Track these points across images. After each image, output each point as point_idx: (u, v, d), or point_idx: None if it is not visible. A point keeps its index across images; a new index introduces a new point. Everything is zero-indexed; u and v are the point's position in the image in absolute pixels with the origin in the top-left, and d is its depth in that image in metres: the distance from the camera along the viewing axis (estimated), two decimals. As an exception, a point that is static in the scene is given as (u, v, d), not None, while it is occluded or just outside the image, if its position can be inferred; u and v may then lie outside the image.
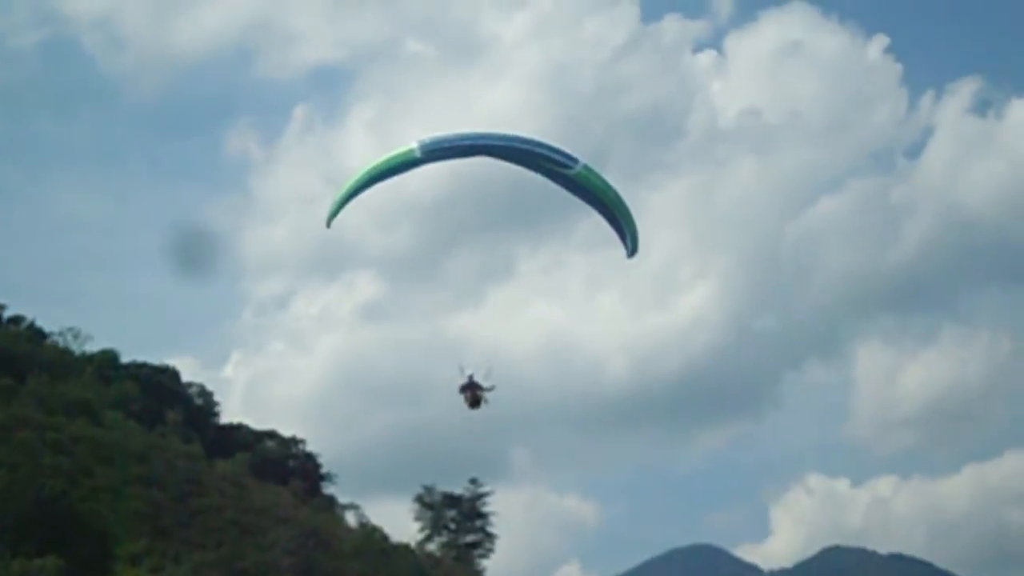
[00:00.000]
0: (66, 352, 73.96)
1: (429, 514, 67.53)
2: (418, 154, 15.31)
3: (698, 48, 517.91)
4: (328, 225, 16.67)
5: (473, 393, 16.79)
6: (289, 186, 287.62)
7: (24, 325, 72.68)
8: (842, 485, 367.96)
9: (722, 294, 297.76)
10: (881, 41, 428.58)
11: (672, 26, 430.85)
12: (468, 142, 15.98)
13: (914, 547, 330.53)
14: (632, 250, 17.36)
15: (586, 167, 16.52)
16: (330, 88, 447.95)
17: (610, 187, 17.08)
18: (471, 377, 16.89)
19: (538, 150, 16.27)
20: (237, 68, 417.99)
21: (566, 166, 16.27)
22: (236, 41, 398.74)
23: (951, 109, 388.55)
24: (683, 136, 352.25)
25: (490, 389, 17.09)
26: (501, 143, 16.22)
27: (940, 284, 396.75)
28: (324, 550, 57.10)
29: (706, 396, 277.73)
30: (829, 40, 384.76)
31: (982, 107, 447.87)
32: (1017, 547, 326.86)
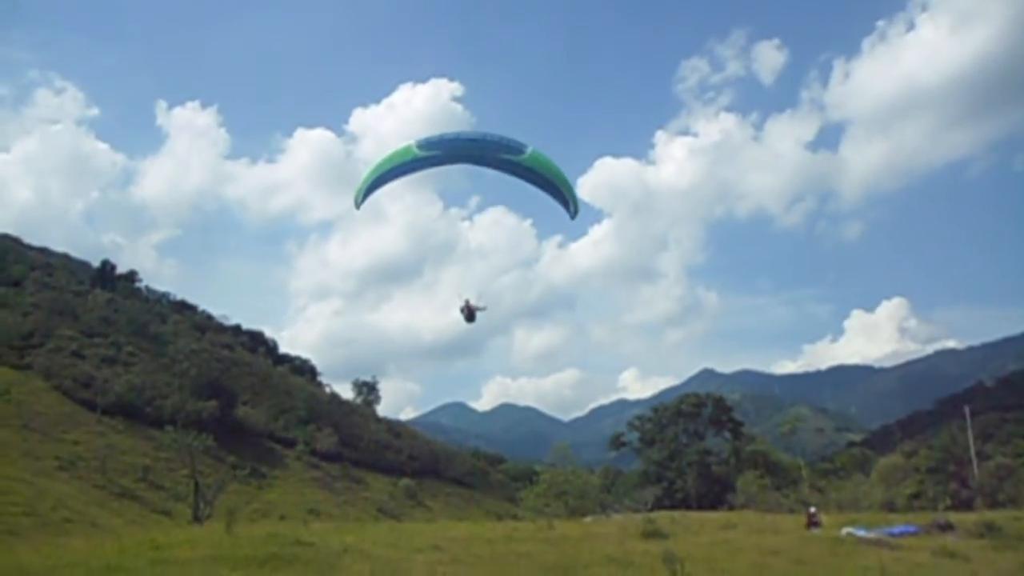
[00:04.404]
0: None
1: (359, 390, 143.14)
2: (416, 150, 17.33)
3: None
4: (357, 207, 19.31)
5: (470, 311, 19.90)
6: (308, 262, 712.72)
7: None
8: (508, 379, 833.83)
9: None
10: (528, 221, 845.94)
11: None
12: (449, 138, 17.81)
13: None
14: (574, 212, 18.85)
15: (533, 151, 17.57)
16: (326, 228, 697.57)
17: (553, 164, 17.81)
18: (468, 302, 19.95)
19: (493, 139, 17.64)
20: (292, 218, 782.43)
21: (520, 152, 17.41)
22: (292, 207, 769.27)
23: (551, 246, 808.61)
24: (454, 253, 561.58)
25: (483, 308, 20.06)
26: (471, 139, 17.90)
27: (549, 308, 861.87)
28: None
29: (458, 348, 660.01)
30: (510, 220, 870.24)
31: (562, 246, 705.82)
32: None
